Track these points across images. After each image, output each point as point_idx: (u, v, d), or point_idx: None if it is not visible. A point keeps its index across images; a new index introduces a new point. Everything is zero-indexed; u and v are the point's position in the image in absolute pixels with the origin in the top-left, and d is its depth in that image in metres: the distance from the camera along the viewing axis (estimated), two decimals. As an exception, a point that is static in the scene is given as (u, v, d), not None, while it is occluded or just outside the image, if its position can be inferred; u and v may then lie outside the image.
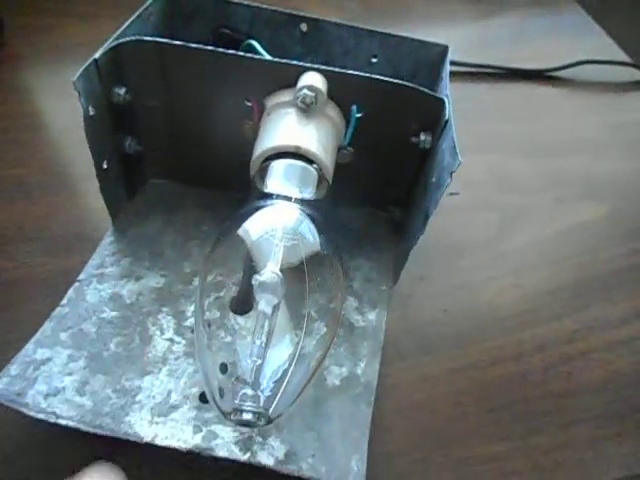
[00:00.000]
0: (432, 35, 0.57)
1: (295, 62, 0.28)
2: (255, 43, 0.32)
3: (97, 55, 0.27)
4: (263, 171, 0.28)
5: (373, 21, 0.58)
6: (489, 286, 0.36)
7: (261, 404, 0.22)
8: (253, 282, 0.24)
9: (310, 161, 0.28)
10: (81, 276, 0.31)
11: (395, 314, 0.33)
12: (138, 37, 0.29)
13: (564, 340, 0.34)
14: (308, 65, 0.28)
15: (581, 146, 0.47)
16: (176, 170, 0.36)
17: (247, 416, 0.21)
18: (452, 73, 0.31)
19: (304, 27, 0.34)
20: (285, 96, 0.29)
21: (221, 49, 0.29)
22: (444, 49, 0.34)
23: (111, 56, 0.28)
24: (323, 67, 0.28)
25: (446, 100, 0.28)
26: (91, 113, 0.27)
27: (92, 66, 0.27)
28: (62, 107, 0.43)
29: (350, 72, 0.28)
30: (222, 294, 0.29)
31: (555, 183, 0.43)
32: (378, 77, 0.28)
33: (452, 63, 0.33)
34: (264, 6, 0.34)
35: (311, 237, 0.26)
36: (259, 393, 0.22)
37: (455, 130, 0.26)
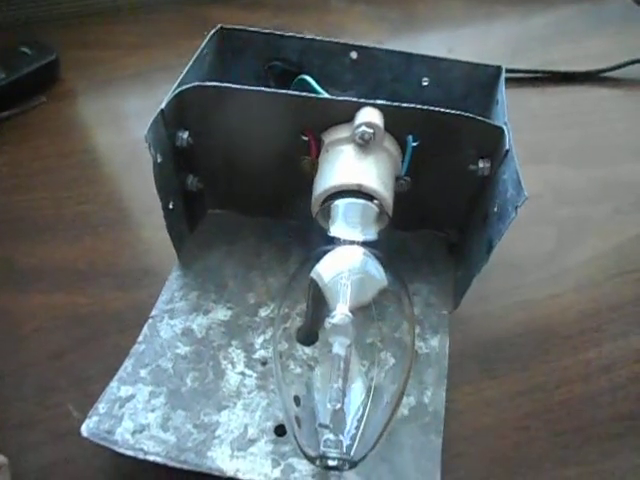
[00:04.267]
0: (474, 38, 0.56)
1: (351, 99, 0.29)
2: (308, 78, 0.33)
3: (163, 105, 0.28)
4: (325, 210, 0.28)
5: (415, 30, 0.58)
6: (551, 304, 0.36)
7: (344, 449, 0.22)
8: (326, 325, 0.24)
9: (371, 197, 0.28)
10: (153, 312, 0.32)
11: (455, 337, 0.33)
12: (199, 83, 0.30)
13: (631, 359, 0.34)
14: (364, 101, 0.29)
15: (638, 151, 0.45)
16: (234, 201, 0.37)
17: (332, 462, 0.22)
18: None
19: (354, 55, 0.35)
20: (343, 132, 0.29)
21: (278, 90, 0.29)
22: (497, 70, 0.33)
23: (174, 103, 0.29)
24: (379, 102, 0.29)
25: (505, 128, 0.28)
26: (159, 160, 0.29)
27: (159, 116, 0.28)
28: (120, 141, 0.45)
29: (405, 105, 0.29)
30: (288, 325, 0.30)
31: (613, 193, 0.42)
32: (433, 109, 0.28)
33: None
34: (316, 37, 0.34)
35: (377, 274, 0.26)
36: (341, 438, 0.22)
37: (518, 161, 0.26)
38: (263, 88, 0.29)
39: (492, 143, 0.29)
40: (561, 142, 0.46)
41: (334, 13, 0.60)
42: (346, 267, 0.26)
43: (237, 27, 0.35)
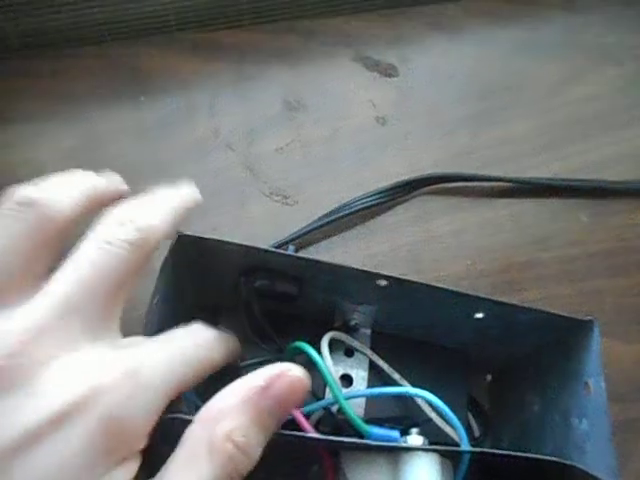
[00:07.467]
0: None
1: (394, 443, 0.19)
2: (310, 350, 0.22)
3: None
4: None
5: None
6: None
7: None
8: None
9: None
10: None
11: None
12: None
13: None
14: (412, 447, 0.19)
15: None
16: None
17: None
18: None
19: (382, 282, 0.24)
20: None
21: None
22: (587, 325, 0.23)
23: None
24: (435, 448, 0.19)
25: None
26: None
27: None
28: None
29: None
30: None
31: None
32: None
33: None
34: (326, 262, 0.23)
35: None
36: None
37: None
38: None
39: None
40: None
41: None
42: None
43: (204, 236, 0.23)
